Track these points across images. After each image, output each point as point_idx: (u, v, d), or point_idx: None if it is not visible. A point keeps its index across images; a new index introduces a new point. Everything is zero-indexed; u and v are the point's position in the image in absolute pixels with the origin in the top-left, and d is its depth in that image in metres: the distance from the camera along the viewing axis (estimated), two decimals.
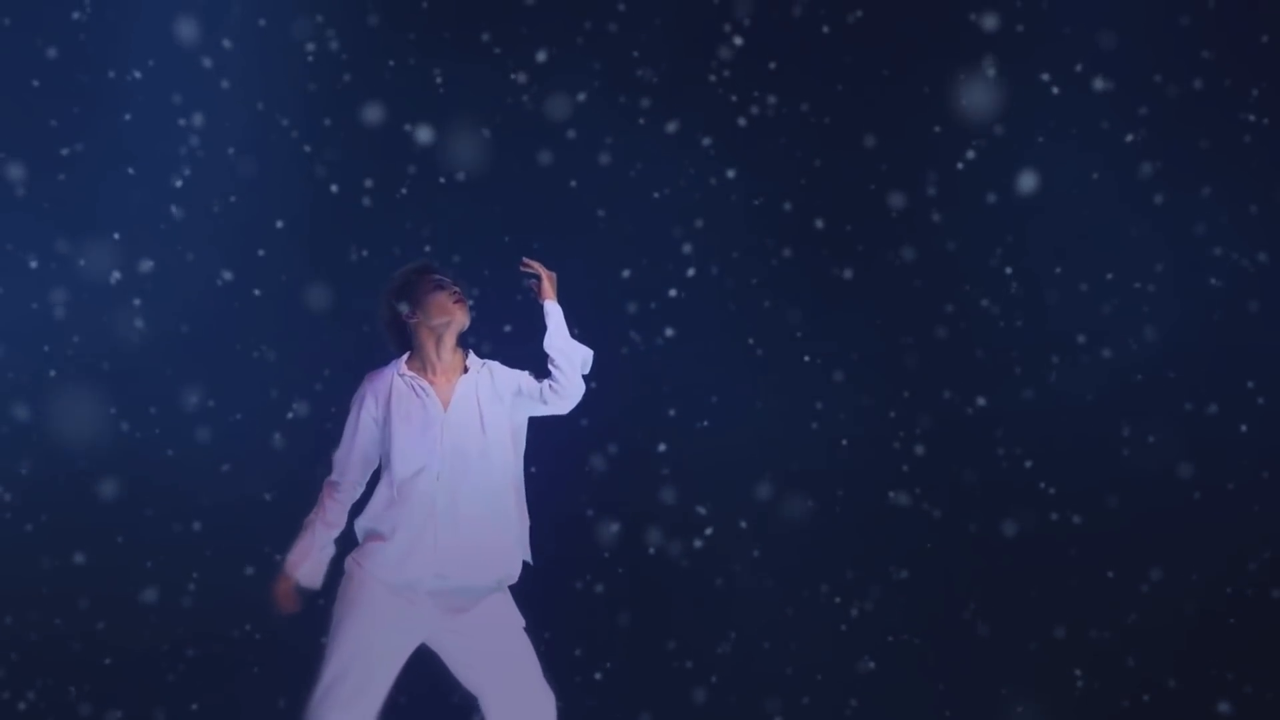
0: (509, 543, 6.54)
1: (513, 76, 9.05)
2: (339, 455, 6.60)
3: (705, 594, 9.22)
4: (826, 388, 9.18)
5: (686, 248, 9.18)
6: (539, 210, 9.03)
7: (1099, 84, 9.00)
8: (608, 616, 9.18)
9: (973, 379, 9.20)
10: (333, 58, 8.97)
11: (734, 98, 9.13)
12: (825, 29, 9.12)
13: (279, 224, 8.96)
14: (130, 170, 8.84)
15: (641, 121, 9.10)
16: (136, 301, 8.84)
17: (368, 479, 6.58)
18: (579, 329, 6.68)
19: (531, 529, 6.62)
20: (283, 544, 6.77)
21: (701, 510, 9.22)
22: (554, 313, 6.66)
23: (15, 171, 8.76)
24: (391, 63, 9.00)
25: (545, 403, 6.62)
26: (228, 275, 8.91)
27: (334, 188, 9.03)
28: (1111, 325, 9.10)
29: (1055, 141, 9.02)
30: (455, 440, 6.46)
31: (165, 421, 8.89)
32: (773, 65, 9.14)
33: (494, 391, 6.57)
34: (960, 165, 9.11)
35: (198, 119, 8.85)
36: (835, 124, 9.18)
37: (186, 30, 8.78)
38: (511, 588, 6.59)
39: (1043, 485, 9.15)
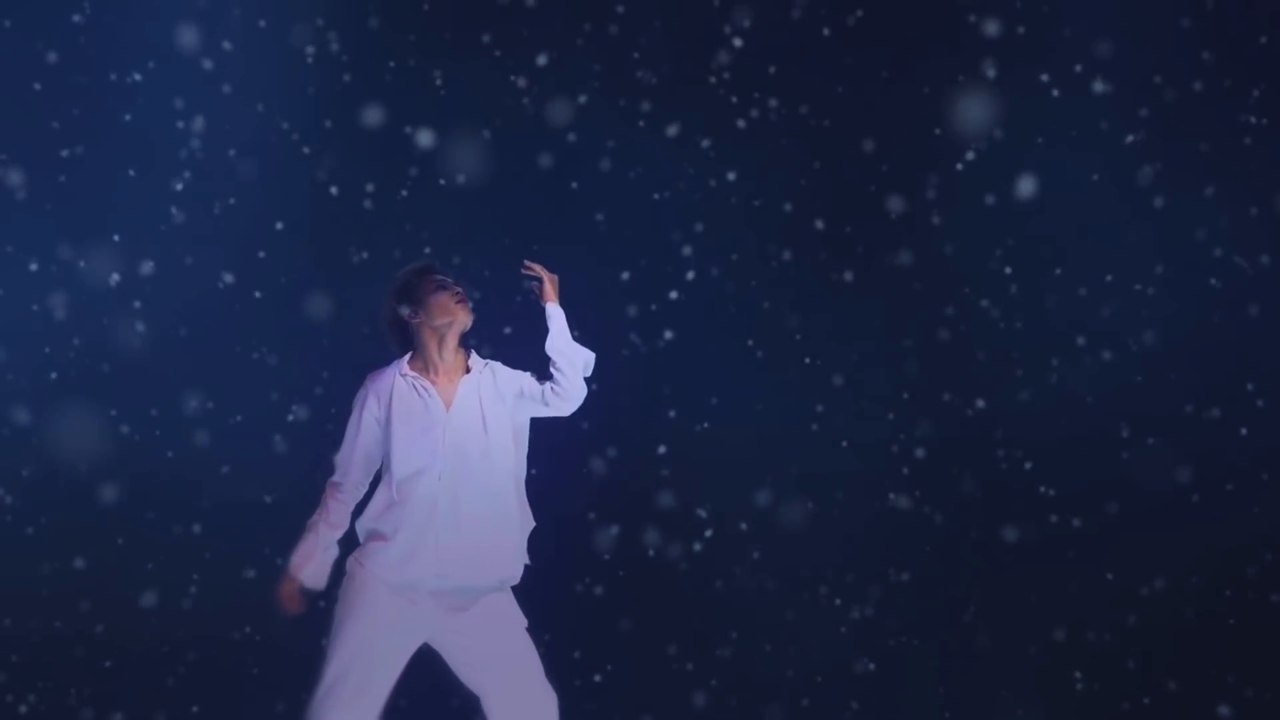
0: (511, 543, 6.54)
1: (512, 78, 9.05)
2: (341, 456, 6.61)
3: (705, 596, 9.22)
4: (826, 390, 9.18)
5: (686, 250, 9.18)
6: (539, 212, 9.04)
7: (1099, 86, 9.01)
8: (608, 619, 9.18)
9: (973, 381, 9.20)
10: (333, 59, 8.98)
11: (734, 99, 9.13)
12: (825, 31, 9.12)
13: (279, 226, 8.96)
14: (131, 172, 8.84)
15: (641, 124, 9.10)
16: (137, 304, 8.84)
17: (370, 479, 6.58)
18: (579, 331, 6.69)
19: (533, 530, 6.63)
20: (283, 546, 6.77)
21: (701, 512, 9.22)
22: (556, 315, 6.67)
23: (16, 173, 8.75)
24: (392, 64, 9.00)
25: (547, 405, 6.62)
26: (228, 278, 8.91)
27: (334, 190, 9.03)
28: (1111, 327, 9.10)
29: (1055, 143, 9.02)
30: (457, 440, 6.46)
31: (165, 424, 8.89)
32: (772, 67, 9.14)
33: (496, 392, 6.57)
34: (960, 167, 9.11)
35: (198, 121, 8.85)
36: (835, 126, 9.18)
37: (187, 32, 8.78)
38: (512, 589, 6.60)
39: (1043, 487, 9.15)
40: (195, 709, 8.93)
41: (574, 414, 6.70)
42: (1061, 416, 9.10)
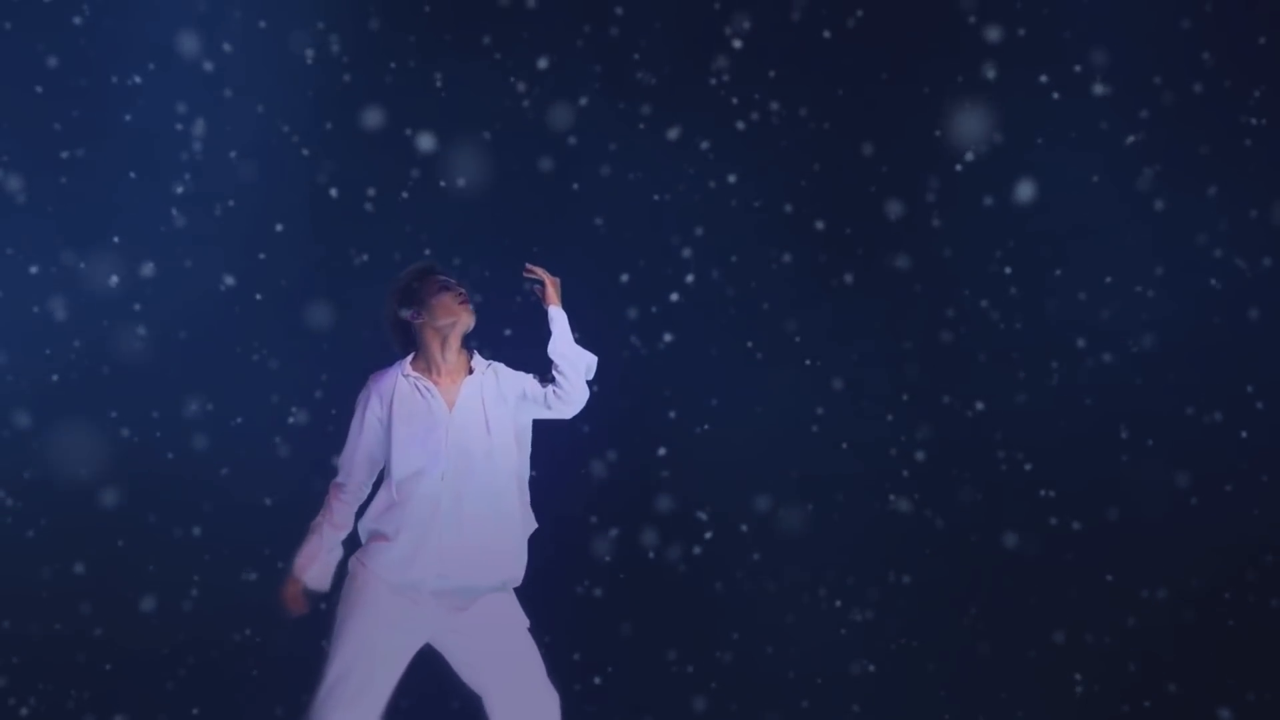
0: (513, 544, 6.54)
1: (512, 80, 9.06)
2: (344, 456, 6.60)
3: (706, 598, 9.22)
4: (826, 391, 9.18)
5: (686, 252, 9.19)
6: (539, 214, 9.04)
7: (1098, 88, 9.01)
8: (608, 621, 9.18)
9: (973, 383, 9.20)
10: (334, 61, 8.98)
11: (734, 100, 9.13)
12: (825, 34, 9.13)
13: (279, 228, 8.95)
14: (132, 174, 8.84)
15: (641, 126, 9.10)
16: (137, 306, 8.84)
17: (374, 480, 6.57)
18: (579, 333, 6.69)
19: (534, 532, 6.63)
20: (284, 548, 6.77)
21: (702, 514, 9.22)
22: (558, 318, 6.66)
23: (16, 175, 8.75)
24: (393, 65, 9.00)
25: (549, 408, 6.62)
26: (229, 280, 8.91)
27: (334, 192, 9.03)
28: (1111, 329, 9.10)
29: (1055, 145, 9.03)
30: (460, 441, 6.46)
31: (166, 425, 8.89)
32: (772, 69, 9.15)
33: (499, 393, 6.57)
34: (960, 169, 9.11)
35: (198, 123, 8.85)
36: (835, 128, 9.19)
37: (187, 34, 8.78)
38: (513, 590, 6.60)
39: (1042, 490, 9.15)
40: (196, 711, 8.93)
41: (575, 416, 6.70)
42: (1061, 418, 9.10)
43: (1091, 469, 9.07)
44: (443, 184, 9.03)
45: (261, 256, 8.95)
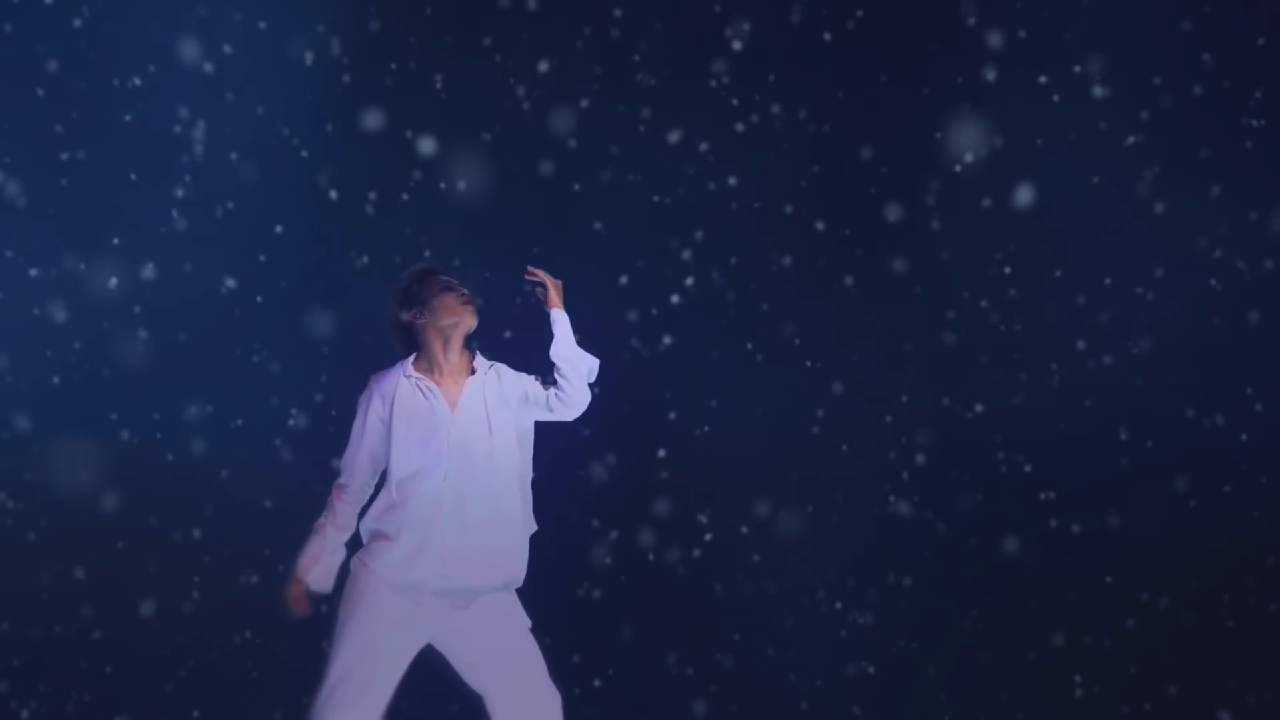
0: (515, 545, 6.54)
1: (511, 81, 9.06)
2: (347, 457, 6.60)
3: (706, 600, 9.22)
4: (826, 393, 9.18)
5: (686, 254, 9.19)
6: (539, 216, 9.04)
7: (1098, 90, 9.01)
8: (608, 623, 9.18)
9: (972, 385, 9.20)
10: (334, 63, 8.98)
11: (735, 102, 9.14)
12: (826, 36, 9.13)
13: (279, 229, 8.95)
14: (132, 176, 8.84)
15: (642, 128, 9.10)
16: (137, 308, 8.84)
17: (376, 480, 6.57)
18: (579, 335, 6.69)
19: (534, 534, 6.63)
20: (284, 551, 6.77)
21: (702, 517, 9.22)
22: (561, 321, 6.66)
23: (17, 178, 8.75)
24: (393, 66, 9.00)
25: (551, 410, 6.62)
26: (230, 282, 8.90)
27: (334, 194, 9.03)
28: (1111, 331, 9.10)
29: (1055, 147, 9.03)
30: (462, 442, 6.46)
31: (166, 428, 8.88)
32: (772, 71, 9.15)
33: (501, 394, 6.57)
34: (960, 171, 9.11)
35: (199, 125, 8.85)
36: (835, 130, 9.18)
37: (187, 36, 8.78)
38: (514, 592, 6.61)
39: (1042, 492, 9.15)
40: (196, 714, 8.92)
41: (576, 419, 6.70)
42: (1061, 420, 9.10)
43: (1091, 471, 9.07)
44: (443, 186, 9.03)
45: (262, 258, 8.95)
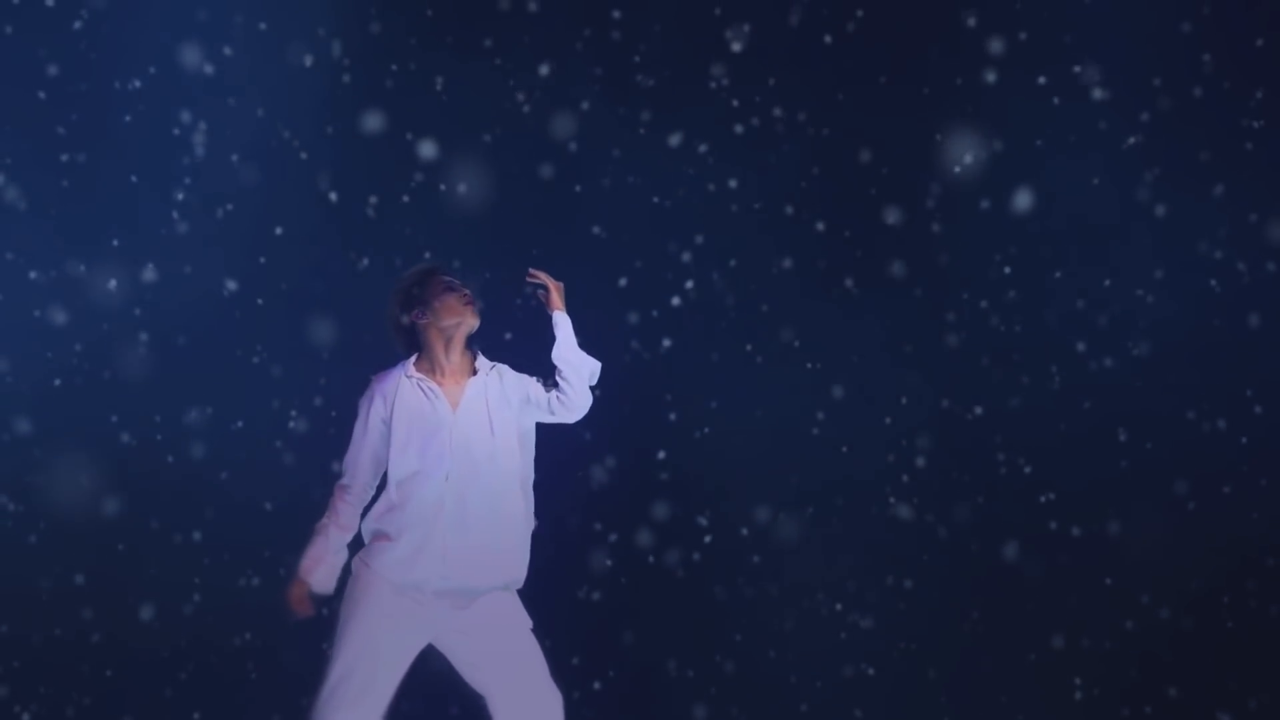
0: (516, 545, 6.54)
1: (512, 83, 9.06)
2: (349, 458, 6.61)
3: (706, 603, 9.21)
4: (826, 395, 9.17)
5: (686, 256, 9.19)
6: (539, 217, 9.04)
7: (1098, 92, 9.01)
8: (608, 626, 9.17)
9: (973, 387, 9.20)
10: (334, 65, 8.98)
11: (735, 103, 9.14)
12: (826, 38, 9.13)
13: (279, 231, 8.95)
14: (133, 178, 8.84)
15: (642, 130, 9.11)
16: (138, 311, 8.84)
17: (378, 480, 6.57)
18: (579, 337, 6.69)
19: (533, 535, 6.63)
20: (284, 552, 6.77)
21: (702, 519, 9.21)
22: (563, 324, 6.66)
23: (17, 180, 8.74)
24: (394, 68, 9.00)
25: (552, 413, 6.63)
26: (231, 284, 8.90)
27: (334, 196, 9.03)
28: (1111, 333, 9.10)
29: (1055, 149, 9.02)
30: (464, 442, 6.47)
31: (167, 430, 8.88)
32: (772, 73, 9.15)
33: (503, 395, 6.58)
34: (960, 173, 9.11)
35: (199, 127, 8.85)
36: (834, 132, 9.18)
37: (188, 38, 8.77)
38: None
39: (1042, 494, 9.14)
40: (197, 716, 8.92)
41: (577, 422, 6.71)
42: (1061, 422, 9.10)
43: (1091, 473, 9.07)
44: (443, 188, 9.03)
45: (262, 260, 8.95)
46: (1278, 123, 8.96)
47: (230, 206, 8.91)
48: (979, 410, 9.20)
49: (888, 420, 9.21)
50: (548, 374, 6.63)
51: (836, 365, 9.19)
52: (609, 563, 9.18)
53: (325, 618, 6.63)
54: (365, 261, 8.99)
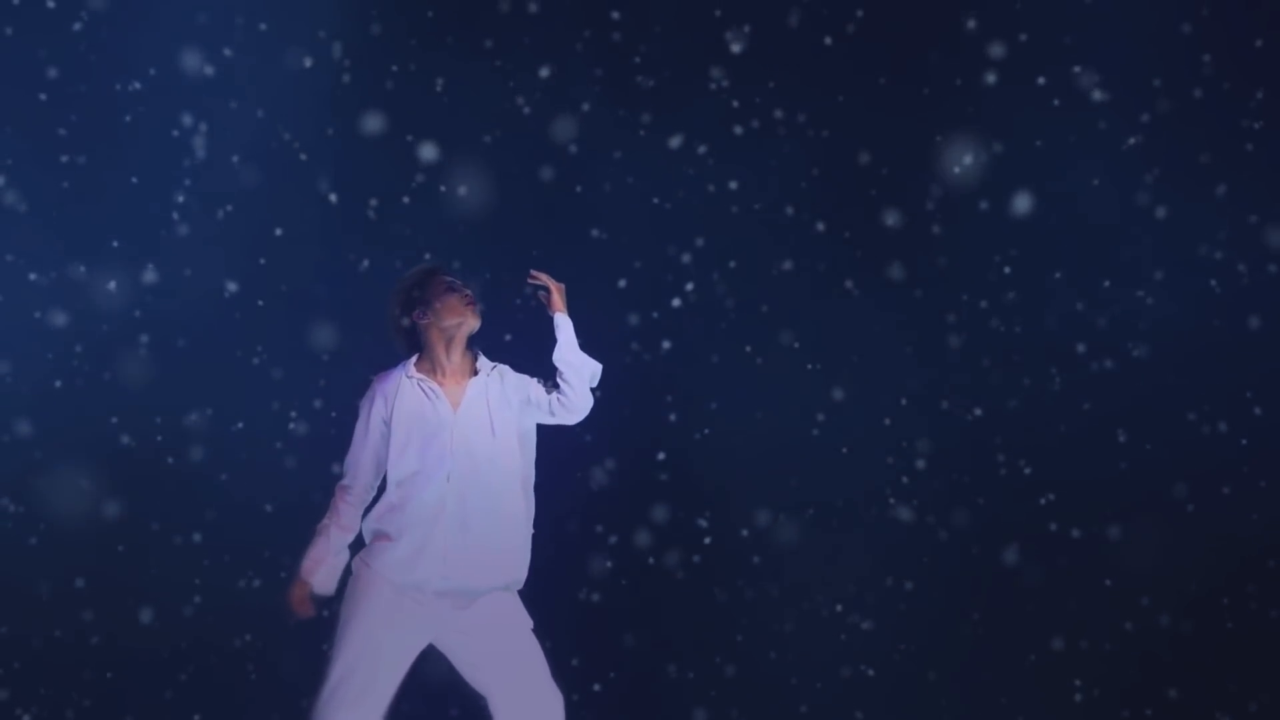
0: (517, 546, 6.54)
1: (512, 85, 9.06)
2: (350, 458, 6.60)
3: (706, 604, 9.21)
4: (826, 397, 9.17)
5: (686, 257, 9.19)
6: (539, 218, 9.04)
7: (1098, 93, 9.01)
8: (607, 627, 9.17)
9: (972, 389, 9.20)
10: (334, 66, 8.98)
11: (735, 104, 9.14)
12: (826, 40, 9.13)
13: (279, 233, 8.95)
14: (133, 180, 8.83)
15: (642, 132, 9.11)
16: (138, 312, 8.84)
17: (380, 481, 6.57)
18: (579, 338, 6.69)
19: (532, 536, 6.63)
20: (284, 554, 6.76)
21: (702, 520, 9.21)
22: (564, 326, 6.66)
23: (17, 181, 8.74)
24: (394, 68, 9.00)
25: (553, 414, 6.63)
26: (231, 286, 8.90)
27: (334, 198, 9.03)
28: (1111, 335, 9.11)
29: (1055, 150, 9.02)
30: (465, 443, 6.47)
31: (167, 431, 8.88)
32: (772, 74, 9.15)
33: (503, 395, 6.58)
34: (960, 174, 9.11)
35: (199, 128, 8.85)
36: (834, 134, 9.19)
37: (188, 40, 8.78)
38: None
39: (1042, 495, 9.14)
40: (196, 717, 8.92)
41: (578, 424, 6.71)
42: (1061, 423, 9.10)
43: (1091, 474, 9.06)
44: (443, 189, 9.03)
45: (262, 262, 8.95)
46: (1278, 124, 8.97)
47: (230, 208, 8.91)
48: (979, 411, 9.20)
49: (887, 421, 9.21)
50: (548, 375, 6.63)
51: (836, 366, 9.19)
52: (609, 564, 9.18)
53: (326, 619, 6.63)
54: (366, 263, 8.98)
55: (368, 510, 6.57)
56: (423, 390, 6.54)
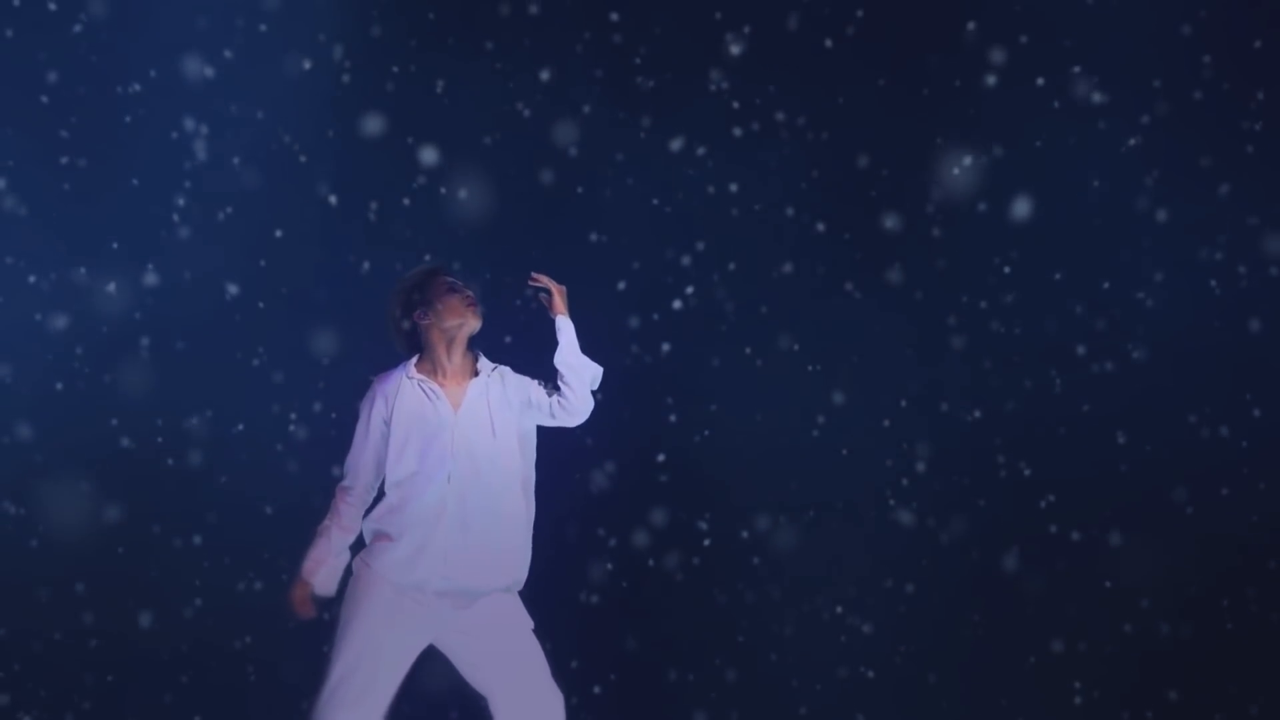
0: (518, 547, 6.55)
1: (512, 86, 9.06)
2: (351, 459, 6.60)
3: (706, 606, 9.21)
4: (826, 399, 9.18)
5: (686, 260, 9.19)
6: (539, 220, 9.04)
7: (1098, 94, 9.02)
8: (607, 629, 9.17)
9: (972, 390, 9.20)
10: (335, 68, 8.98)
11: (735, 106, 9.14)
12: (826, 42, 9.14)
13: (280, 235, 8.95)
14: (134, 182, 8.84)
15: (642, 134, 9.11)
16: (138, 315, 8.84)
17: (380, 482, 6.57)
18: (579, 340, 6.69)
19: (533, 537, 6.64)
20: (284, 556, 6.76)
21: (702, 523, 9.21)
22: (565, 328, 6.66)
23: (17, 184, 8.74)
24: (395, 70, 9.00)
25: (553, 416, 6.63)
26: (232, 288, 8.90)
27: (333, 199, 9.03)
28: (1111, 337, 9.11)
29: (1055, 152, 9.02)
30: (466, 443, 6.47)
31: (167, 433, 8.88)
32: (772, 77, 9.15)
33: (504, 397, 6.58)
34: (960, 176, 9.11)
35: (200, 130, 8.85)
36: (834, 136, 9.19)
37: (189, 42, 8.78)
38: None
39: (1042, 498, 9.14)
40: (197, 719, 8.92)
41: (579, 427, 6.71)
42: (1061, 426, 9.10)
43: (1091, 476, 9.07)
44: (443, 191, 9.03)
45: (263, 264, 8.95)
46: (1278, 125, 8.97)
47: (231, 210, 8.91)
48: (978, 413, 9.20)
49: (887, 424, 9.21)
50: (549, 377, 6.63)
51: (836, 368, 9.19)
52: (609, 566, 9.18)
53: (326, 621, 6.63)
54: (366, 265, 8.98)
55: (369, 511, 6.57)
56: (423, 391, 6.54)
